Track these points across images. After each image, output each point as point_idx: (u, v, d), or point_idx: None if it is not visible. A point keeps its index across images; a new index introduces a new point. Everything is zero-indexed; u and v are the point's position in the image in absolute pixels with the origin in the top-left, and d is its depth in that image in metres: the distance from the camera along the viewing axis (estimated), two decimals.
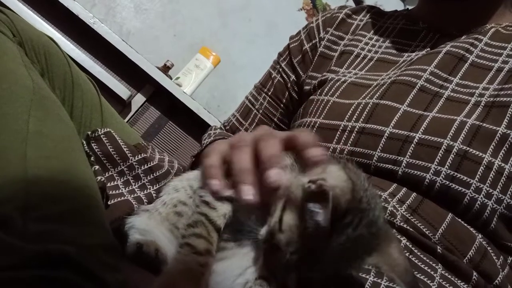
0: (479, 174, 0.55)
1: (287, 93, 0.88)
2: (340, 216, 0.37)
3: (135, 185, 0.60)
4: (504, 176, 0.56)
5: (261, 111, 0.89)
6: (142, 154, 0.63)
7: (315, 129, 0.70)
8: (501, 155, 0.56)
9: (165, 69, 1.80)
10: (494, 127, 0.57)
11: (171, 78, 1.77)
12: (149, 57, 1.66)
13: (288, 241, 0.39)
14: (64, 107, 0.60)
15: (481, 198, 0.55)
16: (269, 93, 0.89)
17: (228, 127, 0.91)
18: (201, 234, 0.42)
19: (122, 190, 0.60)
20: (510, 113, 0.58)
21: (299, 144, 0.44)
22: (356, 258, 0.40)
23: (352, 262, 0.41)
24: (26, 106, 0.48)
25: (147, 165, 0.63)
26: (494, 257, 0.56)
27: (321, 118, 0.71)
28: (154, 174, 0.64)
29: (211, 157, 0.47)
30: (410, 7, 0.90)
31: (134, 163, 0.61)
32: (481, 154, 0.56)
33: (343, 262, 0.40)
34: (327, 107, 0.71)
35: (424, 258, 0.54)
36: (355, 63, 0.78)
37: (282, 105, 0.89)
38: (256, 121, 0.89)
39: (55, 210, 0.41)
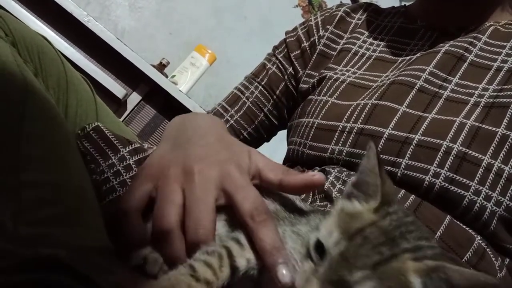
0: (478, 176, 0.55)
1: (282, 84, 0.87)
2: None
3: (126, 175, 0.59)
4: (504, 178, 0.55)
5: (251, 99, 0.87)
6: (133, 145, 0.62)
7: (313, 129, 0.70)
8: (501, 157, 0.56)
9: (161, 67, 1.79)
10: (494, 128, 0.57)
11: (166, 77, 1.76)
12: (145, 55, 1.66)
13: None
14: (58, 107, 0.60)
15: (480, 200, 0.55)
16: (262, 83, 0.87)
17: (211, 114, 0.88)
18: (211, 265, 0.39)
19: (113, 182, 0.59)
20: (510, 113, 0.57)
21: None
22: None
23: None
24: (19, 107, 0.48)
25: (137, 156, 0.62)
26: (493, 259, 0.56)
27: (319, 118, 0.70)
28: None
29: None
30: (407, 4, 0.90)
31: (126, 154, 0.60)
32: (480, 156, 0.56)
33: None
34: (326, 108, 0.71)
35: None
36: (353, 61, 0.78)
37: (275, 97, 0.87)
38: (244, 109, 0.86)
39: (47, 213, 0.40)
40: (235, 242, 0.42)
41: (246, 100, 0.87)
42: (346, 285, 0.35)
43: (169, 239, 0.43)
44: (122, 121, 1.61)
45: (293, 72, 0.86)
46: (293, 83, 0.87)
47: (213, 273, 0.39)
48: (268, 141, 0.95)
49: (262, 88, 0.87)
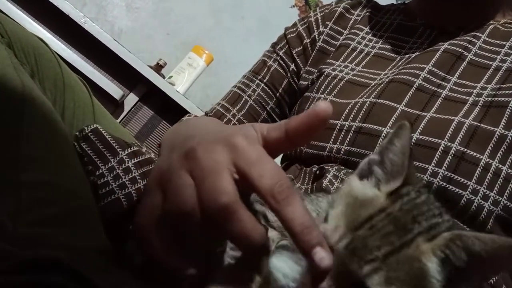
0: (476, 176, 0.55)
1: (285, 82, 0.85)
2: None
3: (125, 177, 0.59)
4: (501, 178, 0.55)
5: (253, 97, 0.84)
6: (132, 148, 0.62)
7: None
8: (498, 156, 0.56)
9: (158, 68, 1.79)
10: (492, 128, 0.57)
11: (164, 77, 1.75)
12: (142, 56, 1.65)
13: None
14: (55, 109, 0.59)
15: (478, 200, 0.55)
16: (264, 80, 0.85)
17: (211, 114, 0.86)
18: None
19: (112, 185, 0.59)
20: (508, 113, 0.58)
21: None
22: None
23: None
24: (16, 109, 0.48)
25: (137, 159, 0.62)
26: None
27: None
28: (145, 168, 0.63)
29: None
30: (406, 0, 0.90)
31: (124, 156, 0.60)
32: (478, 155, 0.56)
33: None
34: None
35: None
36: (351, 57, 0.77)
37: (277, 94, 0.85)
38: (246, 107, 0.84)
39: (46, 214, 0.40)
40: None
41: (248, 99, 0.84)
42: (358, 279, 0.34)
43: (187, 220, 0.38)
44: (120, 122, 1.61)
45: (295, 69, 0.85)
46: (296, 80, 0.85)
47: None
48: None
49: (264, 86, 0.85)
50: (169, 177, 0.41)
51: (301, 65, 0.85)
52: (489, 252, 0.33)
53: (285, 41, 0.87)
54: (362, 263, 0.34)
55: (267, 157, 0.39)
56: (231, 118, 0.83)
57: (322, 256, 0.34)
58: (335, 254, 0.35)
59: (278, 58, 0.86)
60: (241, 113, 0.83)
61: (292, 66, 0.85)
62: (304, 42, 0.85)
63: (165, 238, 0.41)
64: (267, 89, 0.85)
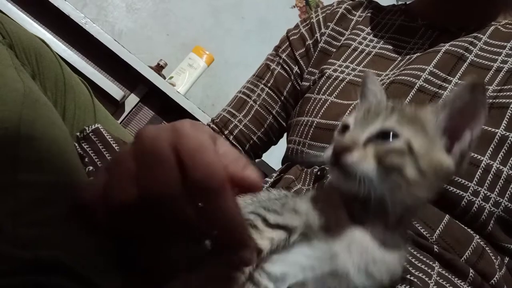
0: (477, 177, 0.55)
1: (289, 85, 0.85)
2: None
3: None
4: (502, 179, 0.55)
5: (258, 102, 0.84)
6: None
7: (312, 128, 0.70)
8: (499, 158, 0.56)
9: (159, 68, 1.79)
10: (493, 129, 0.57)
11: (164, 78, 1.76)
12: (142, 56, 1.65)
13: None
14: (56, 110, 0.59)
15: (479, 201, 0.55)
16: (269, 85, 0.85)
17: (217, 120, 0.86)
18: None
19: None
20: (509, 114, 0.57)
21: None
22: None
23: None
24: (17, 110, 0.48)
25: None
26: (492, 257, 0.56)
27: (318, 117, 0.70)
28: None
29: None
30: (407, 1, 0.90)
31: None
32: (479, 156, 0.56)
33: None
34: (325, 107, 0.70)
35: (421, 256, 0.54)
36: (352, 57, 0.77)
37: (282, 98, 0.85)
38: (252, 113, 0.83)
39: (46, 215, 0.40)
40: (250, 226, 0.42)
41: (253, 104, 0.84)
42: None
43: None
44: (120, 123, 1.61)
45: (299, 71, 0.85)
46: (300, 82, 0.85)
47: None
48: (276, 144, 0.91)
49: (269, 90, 0.85)
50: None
51: (304, 67, 0.84)
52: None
53: (287, 43, 0.87)
54: (375, 118, 0.42)
55: (207, 148, 0.35)
56: (238, 124, 0.84)
57: (249, 258, 0.36)
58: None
59: (281, 61, 0.86)
60: (247, 118, 0.83)
61: (296, 69, 0.85)
62: (307, 43, 0.85)
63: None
64: (272, 93, 0.85)
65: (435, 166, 0.41)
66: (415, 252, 0.54)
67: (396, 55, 0.74)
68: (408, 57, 0.72)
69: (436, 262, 0.54)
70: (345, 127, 0.45)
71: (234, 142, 0.82)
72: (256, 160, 0.89)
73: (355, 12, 0.86)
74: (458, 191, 0.55)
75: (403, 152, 0.40)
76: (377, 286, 0.43)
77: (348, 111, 0.67)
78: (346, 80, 0.73)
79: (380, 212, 0.42)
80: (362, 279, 0.42)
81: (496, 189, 0.55)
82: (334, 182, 0.42)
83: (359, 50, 0.78)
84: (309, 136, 0.70)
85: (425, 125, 0.42)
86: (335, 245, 0.42)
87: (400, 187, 0.40)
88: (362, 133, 0.41)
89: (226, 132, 0.83)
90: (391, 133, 0.40)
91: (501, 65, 0.64)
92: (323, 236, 0.42)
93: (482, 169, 0.55)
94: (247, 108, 0.84)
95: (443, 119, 0.43)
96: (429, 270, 0.53)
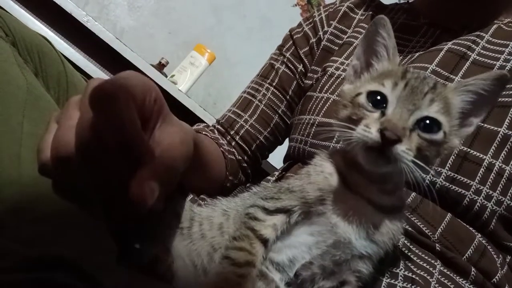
0: (479, 176, 0.55)
1: (294, 83, 0.84)
2: None
3: None
4: (505, 178, 0.55)
5: (264, 102, 0.83)
6: None
7: (314, 127, 0.70)
8: (502, 157, 0.56)
9: (160, 67, 1.79)
10: (495, 128, 0.57)
11: (166, 76, 1.75)
12: (144, 55, 1.65)
13: None
14: (58, 107, 0.60)
15: (481, 199, 0.55)
16: (274, 84, 0.84)
17: (222, 121, 0.86)
18: (242, 247, 0.42)
19: None
20: (511, 113, 0.58)
21: None
22: None
23: None
24: (20, 107, 0.48)
25: None
26: (494, 256, 0.56)
27: (320, 116, 0.70)
28: None
29: None
30: (410, 0, 0.89)
31: None
32: (481, 155, 0.56)
33: None
34: (327, 105, 0.71)
35: (423, 255, 0.54)
36: None
37: (288, 97, 0.85)
38: (258, 112, 0.83)
39: (49, 212, 0.40)
40: (252, 219, 0.44)
41: (259, 103, 0.84)
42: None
43: None
44: None
45: (303, 70, 0.85)
46: (304, 81, 0.85)
47: (248, 253, 0.42)
48: (282, 143, 0.90)
49: (274, 89, 0.84)
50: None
51: (308, 65, 0.84)
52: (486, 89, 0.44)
53: (291, 42, 0.87)
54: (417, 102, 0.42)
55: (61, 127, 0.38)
56: (244, 124, 0.83)
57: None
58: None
59: (286, 60, 0.86)
60: (253, 118, 0.83)
61: (300, 67, 0.85)
62: (311, 42, 0.85)
63: None
64: (277, 92, 0.84)
65: (450, 149, 0.44)
66: (417, 251, 0.54)
67: (398, 54, 0.74)
68: (410, 55, 0.72)
69: (438, 261, 0.54)
70: (376, 96, 0.42)
71: (240, 143, 0.82)
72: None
73: (358, 11, 0.86)
74: (460, 189, 0.55)
75: (441, 144, 0.42)
76: (379, 251, 0.44)
77: None
78: None
79: (378, 179, 0.43)
80: (364, 244, 0.43)
81: (498, 188, 0.55)
82: (365, 164, 0.41)
83: None
84: (311, 134, 0.70)
85: (451, 109, 0.44)
86: (333, 216, 0.43)
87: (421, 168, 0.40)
88: (408, 118, 0.41)
89: (232, 132, 0.83)
90: (435, 125, 0.41)
91: (504, 63, 0.64)
92: (321, 209, 0.43)
93: (485, 168, 0.55)
94: (252, 108, 0.84)
95: (465, 104, 0.44)
96: (431, 269, 0.53)
